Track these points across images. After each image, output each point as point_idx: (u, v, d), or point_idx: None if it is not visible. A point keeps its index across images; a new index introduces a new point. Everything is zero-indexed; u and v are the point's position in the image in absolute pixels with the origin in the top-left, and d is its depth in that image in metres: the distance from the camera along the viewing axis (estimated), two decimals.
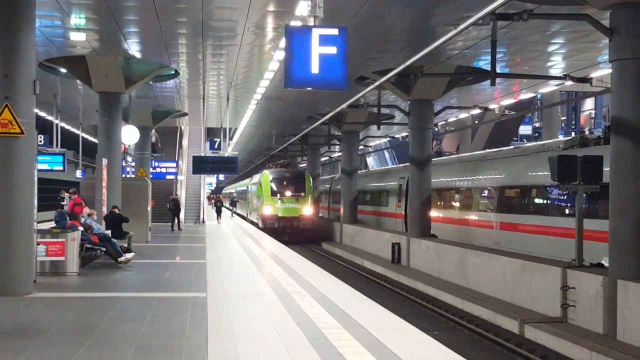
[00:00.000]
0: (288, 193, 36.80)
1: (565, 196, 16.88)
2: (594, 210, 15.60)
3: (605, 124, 25.45)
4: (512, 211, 20.13)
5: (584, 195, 13.80)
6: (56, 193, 30.63)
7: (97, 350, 7.67)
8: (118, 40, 17.55)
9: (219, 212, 40.84)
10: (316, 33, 8.14)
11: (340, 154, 40.98)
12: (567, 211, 17.14)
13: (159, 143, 37.72)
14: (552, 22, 15.32)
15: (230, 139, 41.75)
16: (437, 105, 24.62)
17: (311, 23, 8.70)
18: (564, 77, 18.93)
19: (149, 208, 23.67)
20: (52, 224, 16.82)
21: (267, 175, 38.14)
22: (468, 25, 11.15)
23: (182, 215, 30.97)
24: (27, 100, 11.40)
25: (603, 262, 14.40)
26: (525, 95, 27.44)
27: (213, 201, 33.76)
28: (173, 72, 21.81)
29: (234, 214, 50.08)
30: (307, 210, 36.70)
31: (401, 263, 23.60)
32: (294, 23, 14.51)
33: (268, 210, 36.66)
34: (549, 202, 18.41)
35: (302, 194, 36.88)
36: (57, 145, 28.50)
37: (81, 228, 15.19)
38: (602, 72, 20.28)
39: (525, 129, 58.80)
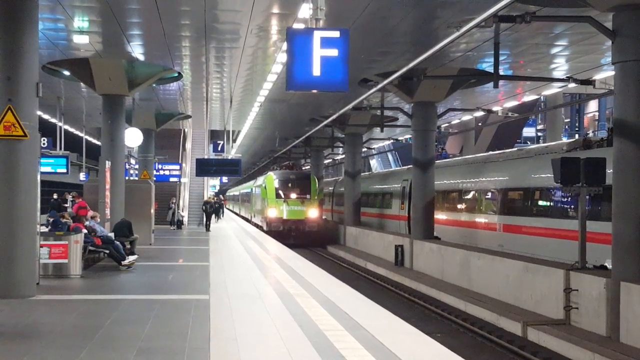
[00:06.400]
0: (293, 195, 36.22)
1: (569, 198, 16.85)
2: (597, 212, 15.58)
3: (609, 126, 25.38)
4: (516, 213, 20.10)
5: (587, 197, 13.79)
6: (49, 196, 30.58)
7: (99, 353, 7.69)
8: (121, 43, 17.58)
9: (216, 213, 40.64)
10: (317, 35, 8.12)
11: (343, 156, 40.96)
12: (570, 213, 17.12)
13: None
14: (554, 24, 15.32)
15: (234, 141, 41.77)
16: (440, 107, 24.61)
17: (314, 25, 8.70)
18: (567, 79, 18.89)
19: (152, 211, 23.70)
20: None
21: (271, 177, 37.64)
22: (471, 27, 11.13)
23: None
24: (30, 103, 11.42)
25: (606, 264, 14.38)
26: (529, 98, 27.41)
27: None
28: (176, 74, 21.84)
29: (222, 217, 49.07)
30: (313, 212, 36.04)
31: (404, 265, 23.58)
32: (297, 25, 14.51)
33: (273, 212, 36.10)
34: (552, 204, 18.39)
35: (308, 196, 36.27)
36: (60, 148, 28.56)
37: (85, 230, 15.23)
38: (606, 74, 20.25)
39: (529, 131, 58.76)
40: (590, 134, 48.90)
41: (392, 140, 43.74)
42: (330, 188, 45.49)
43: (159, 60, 19.97)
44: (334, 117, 23.00)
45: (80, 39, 16.97)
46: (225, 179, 73.35)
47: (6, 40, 11.22)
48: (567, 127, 56.82)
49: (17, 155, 11.25)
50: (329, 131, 35.36)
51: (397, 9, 14.61)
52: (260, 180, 44.07)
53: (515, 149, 27.70)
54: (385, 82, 16.13)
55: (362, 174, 36.25)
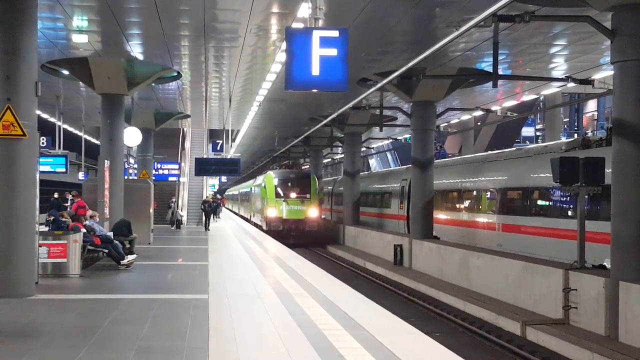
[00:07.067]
0: (293, 194, 35.95)
1: (568, 198, 16.86)
2: (596, 211, 15.58)
3: (608, 126, 25.40)
4: (515, 213, 20.10)
5: (586, 197, 13.79)
6: (49, 195, 30.56)
7: (98, 352, 7.68)
8: (120, 42, 17.57)
9: (214, 212, 39.92)
10: (317, 35, 8.13)
11: (342, 155, 40.93)
12: (569, 213, 17.13)
13: None
14: (554, 23, 15.33)
15: (233, 140, 41.75)
16: (440, 106, 24.61)
17: (313, 25, 8.70)
18: (566, 79, 18.92)
19: (151, 210, 23.69)
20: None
21: (271, 177, 37.40)
22: (470, 27, 11.13)
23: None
24: (29, 102, 11.42)
25: (605, 263, 14.38)
26: (528, 97, 27.42)
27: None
28: (175, 73, 21.83)
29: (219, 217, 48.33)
30: (313, 212, 35.79)
31: (403, 265, 23.58)
32: (296, 25, 14.52)
33: (272, 212, 35.85)
34: (551, 203, 18.40)
35: (308, 195, 35.98)
36: (59, 147, 28.56)
37: (83, 230, 15.21)
38: (605, 73, 20.26)
39: (528, 131, 58.76)
40: (589, 134, 48.93)
41: (391, 140, 43.72)
42: (329, 187, 45.47)
43: (158, 59, 19.97)
44: (333, 116, 22.99)
45: (79, 38, 16.96)
46: (224, 179, 73.44)
47: (5, 39, 11.21)
48: (566, 126, 56.87)
49: (16, 155, 11.24)
50: (328, 130, 35.34)
51: (396, 9, 14.60)
52: (259, 179, 43.93)
53: (514, 148, 27.72)
54: (385, 81, 16.12)
55: (361, 173, 36.19)
